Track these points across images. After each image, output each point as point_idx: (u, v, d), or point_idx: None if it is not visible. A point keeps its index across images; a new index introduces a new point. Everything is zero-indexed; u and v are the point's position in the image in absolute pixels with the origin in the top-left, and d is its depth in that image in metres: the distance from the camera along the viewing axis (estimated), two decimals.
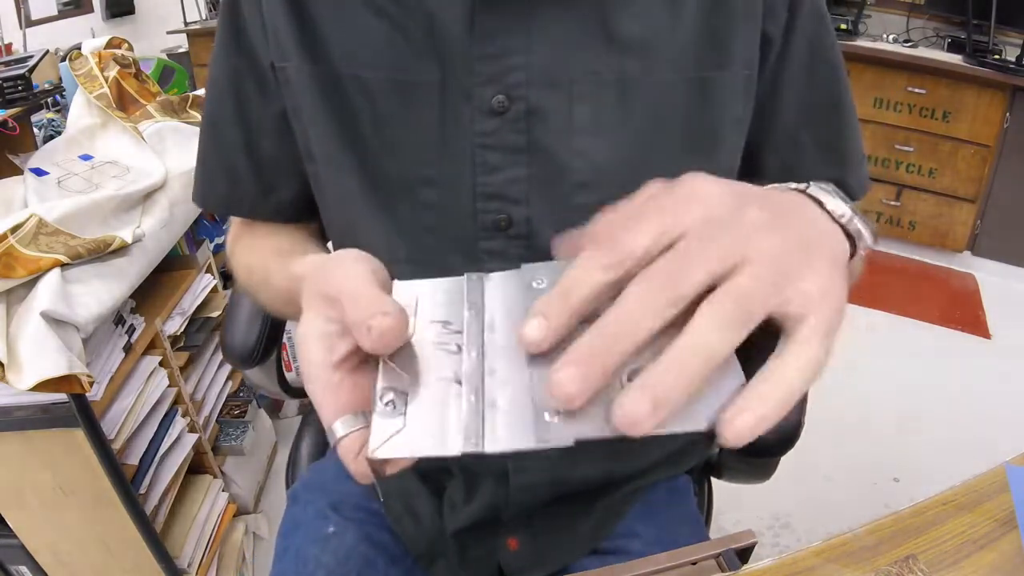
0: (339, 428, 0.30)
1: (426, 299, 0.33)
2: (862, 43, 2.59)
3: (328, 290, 0.32)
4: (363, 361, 0.32)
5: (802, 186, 0.35)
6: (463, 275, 0.34)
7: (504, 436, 0.26)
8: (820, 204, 0.33)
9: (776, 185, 0.35)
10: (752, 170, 0.56)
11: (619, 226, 0.28)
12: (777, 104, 0.53)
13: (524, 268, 0.33)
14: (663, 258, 0.26)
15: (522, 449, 0.26)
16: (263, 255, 0.57)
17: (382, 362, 0.29)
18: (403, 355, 0.30)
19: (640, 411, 0.24)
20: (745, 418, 0.25)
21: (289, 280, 0.44)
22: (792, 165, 0.55)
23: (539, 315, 0.27)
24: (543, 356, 0.28)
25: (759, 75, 0.51)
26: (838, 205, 0.33)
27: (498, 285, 0.33)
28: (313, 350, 0.31)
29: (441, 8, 0.47)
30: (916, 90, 2.48)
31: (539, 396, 0.27)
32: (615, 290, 0.27)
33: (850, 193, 0.56)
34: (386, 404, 0.28)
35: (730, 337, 0.25)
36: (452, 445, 0.27)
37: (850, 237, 0.33)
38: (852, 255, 0.34)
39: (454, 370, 0.29)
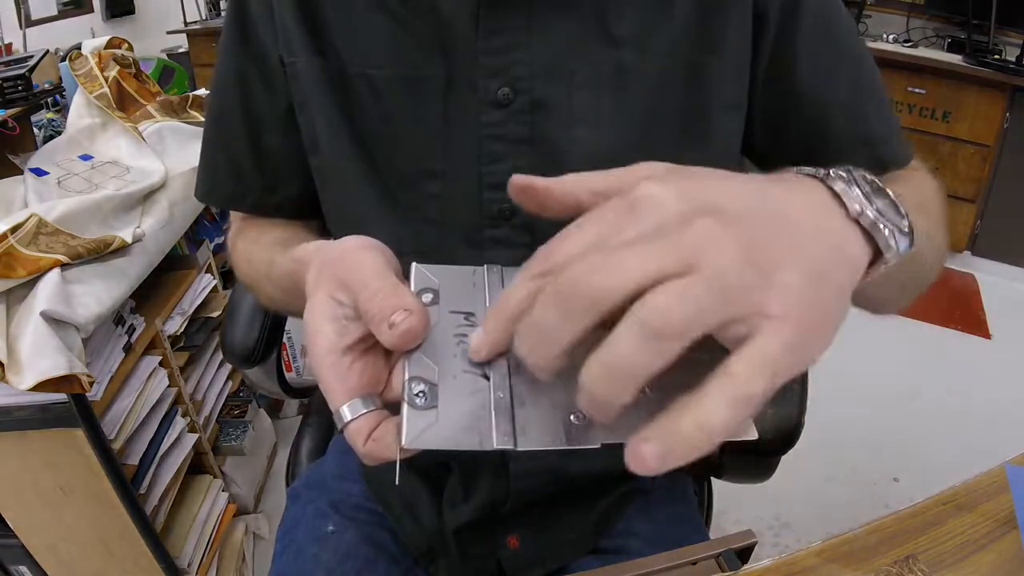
0: (347, 412, 0.30)
1: (446, 287, 0.33)
2: None
3: (341, 274, 0.32)
4: (373, 345, 0.32)
5: (820, 172, 0.29)
6: (482, 266, 0.34)
7: (536, 435, 0.27)
8: (837, 197, 0.28)
9: (789, 171, 0.31)
10: (780, 153, 0.56)
11: (558, 238, 0.27)
12: (793, 87, 0.52)
13: None
14: (583, 262, 0.24)
15: (553, 448, 0.27)
16: (265, 246, 0.57)
17: (408, 352, 0.30)
18: (429, 345, 0.30)
19: None
20: (648, 449, 0.23)
21: (293, 263, 0.42)
22: (819, 146, 0.54)
23: (481, 326, 0.29)
24: (567, 357, 0.28)
25: (757, 54, 0.51)
26: (858, 201, 0.28)
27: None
28: (323, 333, 0.31)
29: (447, 5, 0.48)
30: (916, 90, 2.48)
31: (565, 397, 0.28)
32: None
33: (887, 167, 0.55)
34: (417, 395, 0.28)
35: (651, 354, 0.22)
36: (486, 441, 0.27)
37: (873, 242, 0.28)
38: (875, 262, 0.29)
39: (479, 363, 0.30)
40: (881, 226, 0.28)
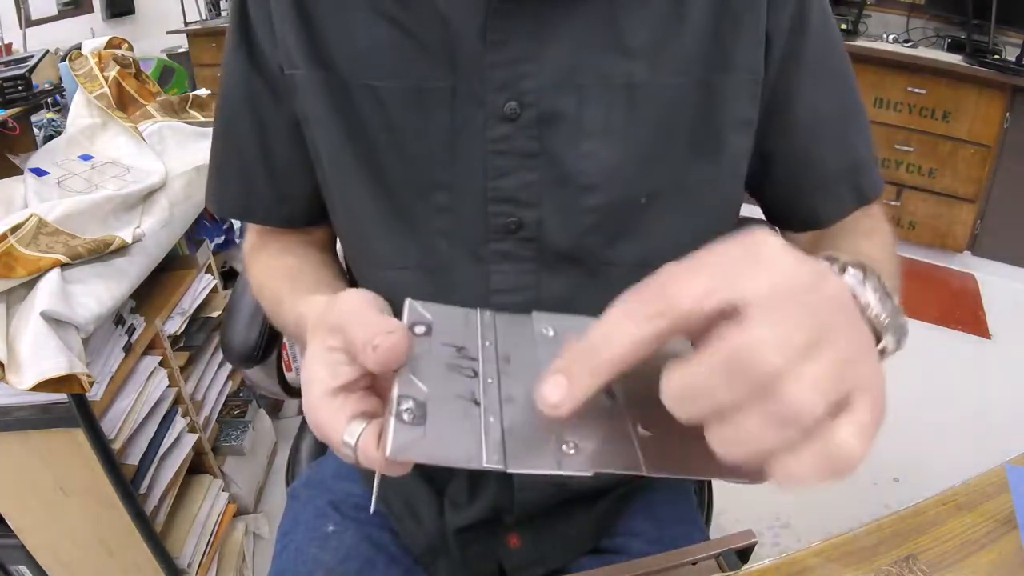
0: (349, 438, 0.30)
1: (439, 322, 0.33)
2: (862, 43, 2.59)
3: (332, 318, 0.32)
4: (366, 389, 0.33)
5: (835, 267, 0.32)
6: (475, 309, 0.35)
7: (527, 458, 0.27)
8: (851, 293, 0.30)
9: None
10: (764, 176, 0.56)
11: (668, 276, 0.25)
12: (790, 110, 0.53)
13: (535, 316, 0.34)
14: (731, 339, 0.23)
15: (542, 472, 0.27)
16: (275, 278, 0.58)
17: (399, 372, 0.29)
18: (419, 369, 0.30)
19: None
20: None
21: (297, 317, 0.45)
22: (804, 172, 0.55)
23: (559, 372, 0.25)
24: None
25: (764, 75, 0.51)
26: (872, 298, 0.30)
27: (509, 325, 0.34)
28: (316, 379, 0.32)
29: (455, 15, 0.47)
30: (916, 90, 2.48)
31: (557, 429, 0.28)
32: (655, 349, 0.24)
33: (864, 196, 0.56)
34: (404, 411, 0.28)
35: (774, 432, 0.23)
36: (475, 459, 0.27)
37: (876, 337, 0.31)
38: None
39: (471, 391, 0.30)
40: (891, 331, 0.31)
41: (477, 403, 0.29)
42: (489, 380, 0.30)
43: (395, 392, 0.29)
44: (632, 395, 0.29)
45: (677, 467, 0.26)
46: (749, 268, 0.24)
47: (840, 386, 0.24)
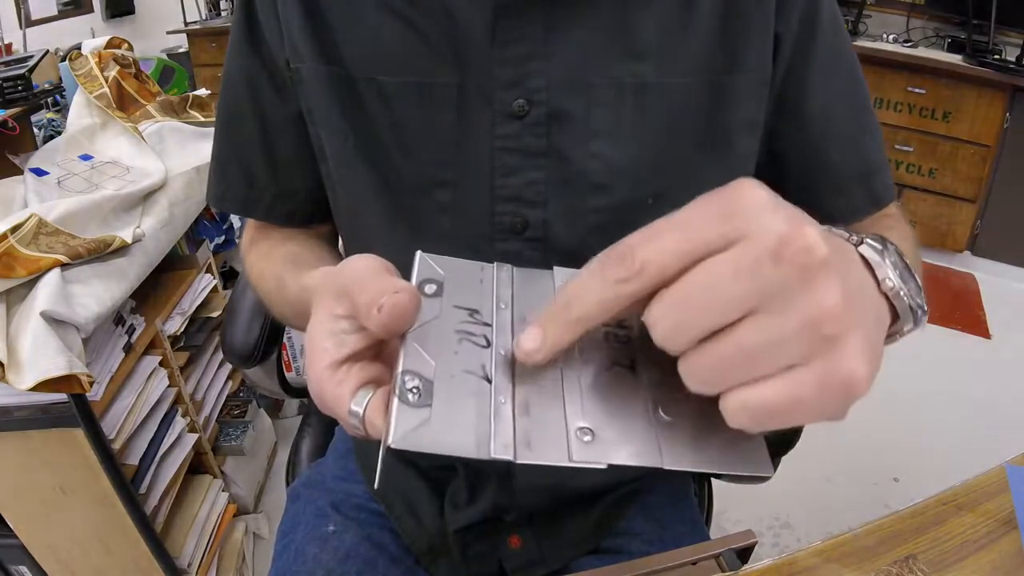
0: (357, 407, 0.29)
1: (451, 280, 0.31)
2: (862, 43, 2.59)
3: (338, 284, 0.31)
4: (372, 360, 0.31)
5: (854, 238, 0.30)
6: (491, 262, 0.33)
7: (537, 449, 0.25)
8: (868, 266, 0.29)
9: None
10: (777, 178, 0.56)
11: (643, 237, 0.25)
12: (801, 111, 0.52)
13: (556, 271, 0.33)
14: (681, 283, 0.24)
15: (554, 464, 0.25)
16: (275, 262, 0.57)
17: (405, 342, 0.28)
18: (427, 338, 0.28)
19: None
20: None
21: (300, 291, 0.44)
22: (819, 173, 0.55)
23: (536, 324, 0.26)
24: (576, 364, 0.27)
25: (773, 76, 0.51)
26: (891, 278, 0.29)
27: (527, 282, 0.32)
28: (320, 349, 0.30)
29: (462, 12, 0.47)
30: (916, 90, 2.48)
31: (572, 410, 0.27)
32: (635, 305, 0.25)
33: (877, 199, 0.56)
34: (410, 390, 0.26)
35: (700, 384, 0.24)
36: (482, 448, 0.25)
37: (894, 313, 0.30)
38: (890, 336, 0.30)
39: (482, 364, 0.28)
40: (911, 307, 0.30)
41: (488, 380, 0.27)
42: (502, 352, 0.28)
43: (400, 367, 0.27)
44: (655, 372, 0.28)
45: (693, 460, 0.25)
46: (719, 225, 0.24)
47: (743, 363, 0.23)
